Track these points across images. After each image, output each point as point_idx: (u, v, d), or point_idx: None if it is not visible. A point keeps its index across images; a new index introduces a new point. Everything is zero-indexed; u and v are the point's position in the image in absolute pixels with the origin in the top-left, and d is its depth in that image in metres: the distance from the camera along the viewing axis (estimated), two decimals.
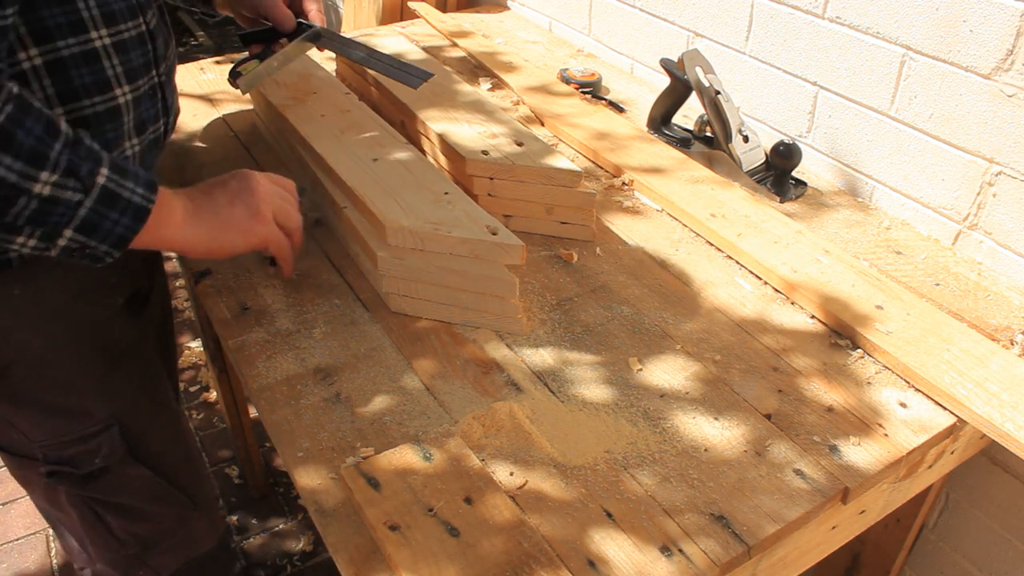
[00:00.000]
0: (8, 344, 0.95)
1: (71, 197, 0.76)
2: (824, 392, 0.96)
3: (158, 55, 0.95)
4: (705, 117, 1.40)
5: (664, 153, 1.40)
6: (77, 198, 0.76)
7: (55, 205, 0.75)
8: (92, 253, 0.81)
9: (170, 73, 1.01)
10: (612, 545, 0.77)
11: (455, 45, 1.85)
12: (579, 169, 1.16)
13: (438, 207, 1.05)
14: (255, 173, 0.97)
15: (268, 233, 0.97)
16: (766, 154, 1.35)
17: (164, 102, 0.99)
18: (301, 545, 1.87)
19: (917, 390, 0.96)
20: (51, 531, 1.84)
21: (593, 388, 0.95)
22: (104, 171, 0.78)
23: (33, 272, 0.92)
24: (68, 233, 0.77)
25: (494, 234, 1.00)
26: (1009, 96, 1.07)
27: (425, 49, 1.78)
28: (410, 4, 2.08)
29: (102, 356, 1.02)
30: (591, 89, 1.61)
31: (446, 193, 1.08)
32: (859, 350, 1.02)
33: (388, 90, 1.40)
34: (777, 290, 1.12)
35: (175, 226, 0.87)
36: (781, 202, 1.30)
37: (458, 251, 1.00)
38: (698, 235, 1.23)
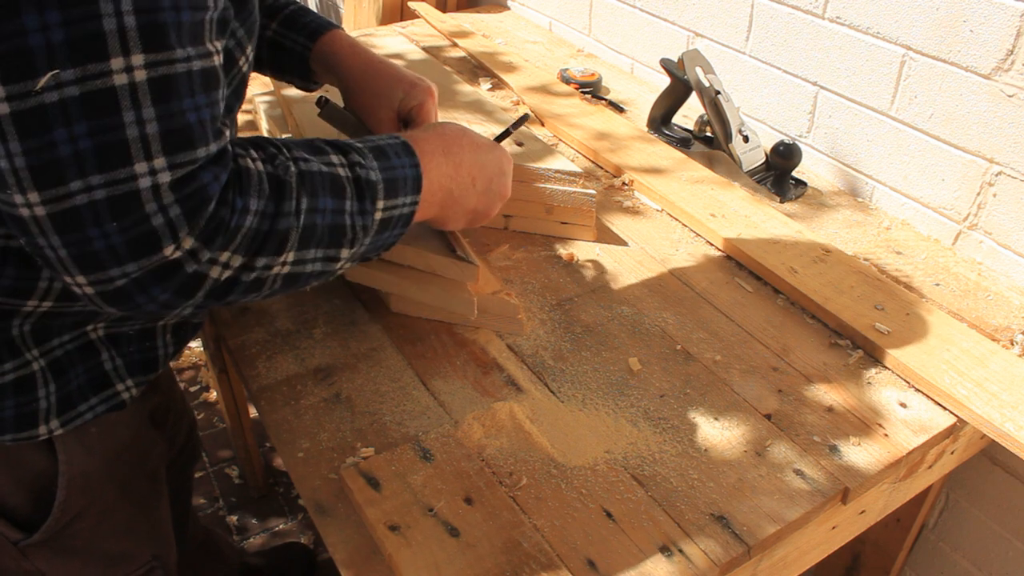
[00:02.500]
0: (82, 491, 0.83)
1: (359, 250, 0.75)
2: (824, 392, 0.96)
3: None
4: (705, 117, 1.40)
5: (664, 153, 1.40)
6: (360, 246, 0.75)
7: (349, 261, 0.75)
8: (366, 258, 0.80)
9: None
10: (612, 545, 0.77)
11: (455, 45, 1.85)
12: (579, 170, 1.16)
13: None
14: (503, 152, 0.93)
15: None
16: (766, 154, 1.35)
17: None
18: None
19: (917, 390, 0.96)
20: None
21: (593, 388, 0.95)
22: (380, 205, 0.75)
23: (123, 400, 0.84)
24: (347, 266, 0.76)
25: (453, 251, 0.98)
26: (1009, 96, 1.07)
27: (425, 49, 1.78)
28: (410, 4, 2.08)
29: (153, 493, 0.95)
30: (591, 89, 1.61)
31: None
32: (859, 350, 1.02)
33: None
34: (777, 290, 1.12)
35: (432, 210, 0.85)
36: (781, 202, 1.30)
37: (416, 264, 0.99)
38: (698, 235, 1.23)
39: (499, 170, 0.91)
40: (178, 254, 0.59)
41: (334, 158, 0.72)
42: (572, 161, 1.34)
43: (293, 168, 0.67)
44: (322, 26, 1.02)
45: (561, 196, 1.18)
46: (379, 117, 1.01)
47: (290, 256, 0.67)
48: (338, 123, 1.06)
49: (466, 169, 0.86)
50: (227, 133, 0.63)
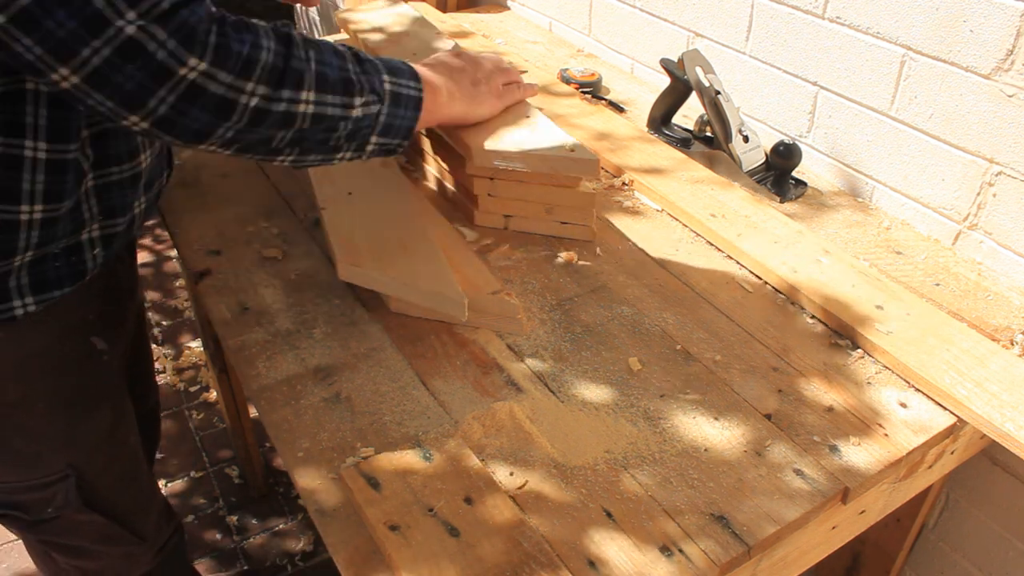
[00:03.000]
0: None
1: (373, 110, 0.89)
2: (824, 392, 0.96)
3: None
4: (705, 117, 1.40)
5: (664, 153, 1.40)
6: (376, 109, 0.89)
7: (364, 120, 0.88)
8: (387, 148, 0.95)
9: None
10: (612, 545, 0.77)
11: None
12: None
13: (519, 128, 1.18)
14: (476, 56, 1.13)
15: (506, 99, 1.15)
16: (766, 154, 1.34)
17: (169, 156, 1.03)
18: (301, 545, 1.87)
19: (917, 390, 0.96)
20: None
21: (593, 388, 0.95)
22: (386, 77, 0.91)
23: (12, 324, 0.89)
24: (374, 139, 0.92)
25: (572, 151, 1.13)
26: (1009, 96, 1.07)
27: None
28: (410, 4, 2.08)
29: (73, 404, 1.00)
30: (591, 89, 1.61)
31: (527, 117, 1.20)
32: (859, 350, 1.02)
33: None
34: (777, 290, 1.12)
35: (441, 107, 1.02)
36: (781, 202, 1.30)
37: (538, 168, 1.13)
38: (698, 235, 1.23)
39: (480, 60, 1.13)
40: (193, 74, 0.72)
41: (324, 41, 0.87)
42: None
43: (294, 32, 0.82)
44: None
45: (561, 196, 1.17)
46: None
47: (311, 95, 0.81)
48: None
49: (454, 63, 1.09)
50: None
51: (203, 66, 0.72)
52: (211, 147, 0.79)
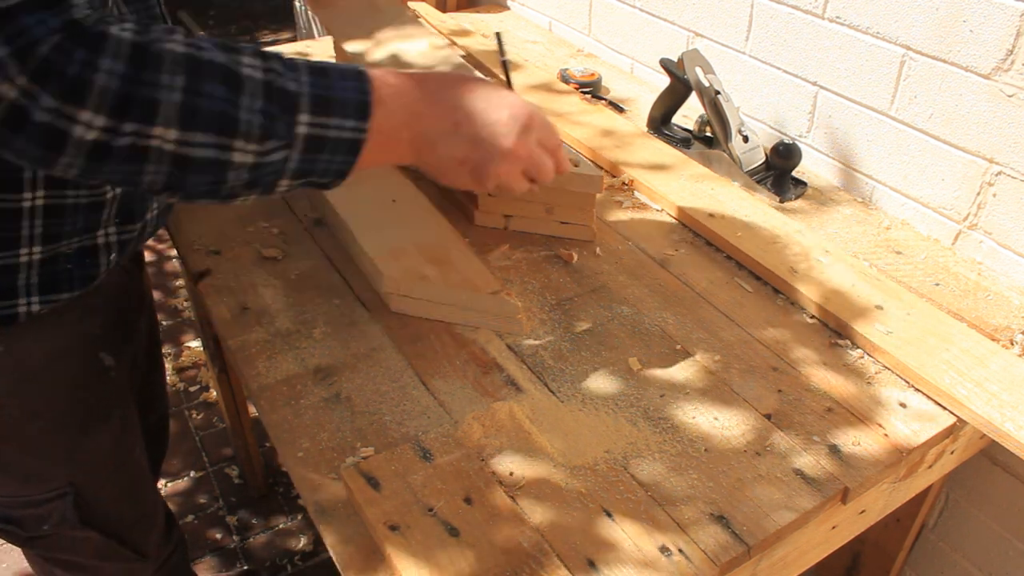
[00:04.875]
0: None
1: (276, 158, 0.69)
2: (824, 392, 0.96)
3: None
4: (705, 117, 1.40)
5: (664, 153, 1.40)
6: (281, 156, 0.69)
7: (263, 168, 0.69)
8: (315, 185, 0.74)
9: None
10: (612, 545, 0.77)
11: (455, 45, 1.84)
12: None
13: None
14: (516, 100, 0.80)
15: (517, 179, 0.83)
16: (766, 154, 1.35)
17: None
18: (301, 545, 1.87)
19: (917, 390, 0.96)
20: None
21: (593, 388, 0.95)
22: (303, 118, 0.69)
23: (16, 328, 0.86)
24: (284, 183, 0.71)
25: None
26: (1009, 96, 1.07)
27: None
28: (410, 4, 2.08)
29: (76, 421, 0.97)
30: (591, 89, 1.61)
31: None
32: (859, 350, 1.02)
33: None
34: (777, 290, 1.12)
35: (400, 154, 0.78)
36: (781, 202, 1.30)
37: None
38: (698, 235, 1.23)
39: (500, 121, 0.78)
40: (13, 94, 0.59)
41: (246, 59, 0.68)
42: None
43: (175, 47, 0.64)
44: None
45: (562, 196, 1.17)
46: None
47: (171, 133, 0.64)
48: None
49: (446, 109, 0.77)
50: None
51: (24, 82, 0.59)
52: (69, 176, 0.67)
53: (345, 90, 0.71)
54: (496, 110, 0.78)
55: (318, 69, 0.71)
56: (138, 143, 0.63)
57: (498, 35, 0.97)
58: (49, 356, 0.91)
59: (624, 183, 1.34)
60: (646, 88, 1.66)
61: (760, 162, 1.35)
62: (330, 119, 0.70)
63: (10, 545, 1.83)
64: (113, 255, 0.91)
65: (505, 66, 0.97)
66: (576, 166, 1.12)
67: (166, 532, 1.23)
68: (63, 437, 0.97)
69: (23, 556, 1.15)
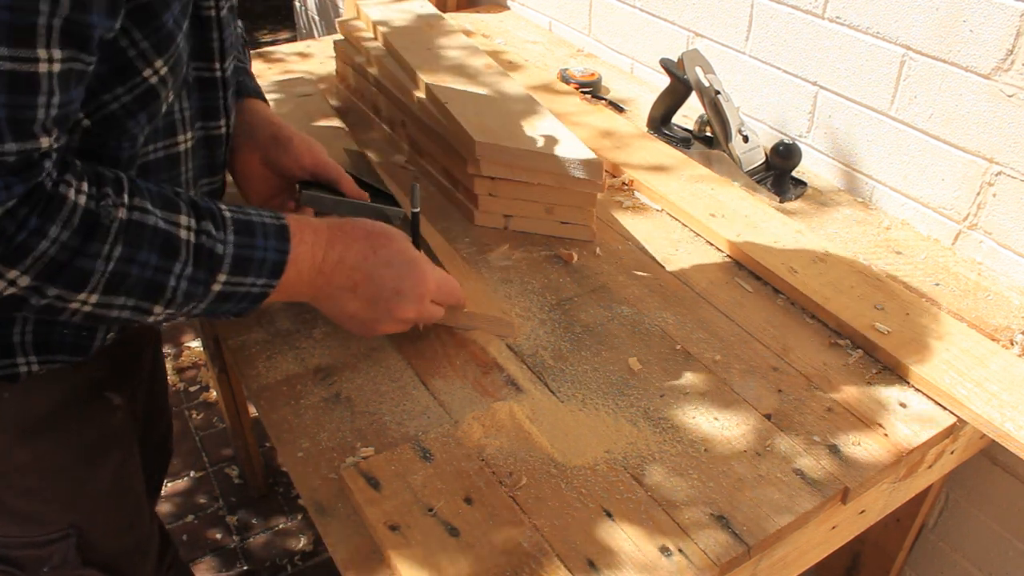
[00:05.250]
0: None
1: (187, 310, 0.74)
2: (824, 392, 0.96)
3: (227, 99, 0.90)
4: (705, 117, 1.40)
5: (664, 153, 1.40)
6: (192, 307, 0.74)
7: (173, 318, 0.74)
8: (218, 317, 0.80)
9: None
10: (612, 545, 0.77)
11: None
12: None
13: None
14: (422, 261, 0.88)
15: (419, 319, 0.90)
16: (766, 154, 1.34)
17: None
18: (301, 545, 1.87)
19: (917, 390, 0.96)
20: None
21: (593, 388, 0.95)
22: (221, 278, 0.74)
23: (20, 383, 0.85)
24: (183, 319, 0.77)
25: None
26: (1009, 96, 1.07)
27: None
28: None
29: (79, 463, 0.95)
30: (591, 89, 1.61)
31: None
32: (859, 350, 1.02)
33: (389, 90, 1.40)
34: (777, 290, 1.12)
35: (303, 298, 0.84)
36: (781, 202, 1.30)
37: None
38: (698, 235, 1.23)
39: (395, 289, 0.85)
40: None
41: (183, 219, 0.71)
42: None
43: (120, 214, 0.67)
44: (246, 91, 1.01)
45: (562, 196, 1.17)
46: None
47: (92, 298, 0.67)
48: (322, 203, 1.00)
49: (346, 272, 0.83)
50: (43, 141, 0.61)
51: None
52: None
53: (265, 250, 0.76)
54: (396, 278, 0.85)
55: (244, 226, 0.75)
56: (55, 305, 0.66)
57: (413, 186, 1.00)
58: (55, 404, 0.90)
59: (624, 183, 1.34)
60: (646, 88, 1.66)
61: (760, 162, 1.35)
62: (245, 278, 0.75)
63: None
64: (111, 333, 0.89)
65: (415, 219, 0.99)
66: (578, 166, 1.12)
67: (159, 557, 1.21)
68: (68, 480, 0.95)
69: None
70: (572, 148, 1.16)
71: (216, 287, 0.74)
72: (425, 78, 1.29)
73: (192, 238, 0.71)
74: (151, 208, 0.69)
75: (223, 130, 0.90)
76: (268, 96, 1.53)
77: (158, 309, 0.71)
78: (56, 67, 0.60)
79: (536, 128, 1.20)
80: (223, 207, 0.76)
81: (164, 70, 0.74)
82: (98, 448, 0.98)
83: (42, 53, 0.59)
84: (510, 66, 1.70)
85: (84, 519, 0.99)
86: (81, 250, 0.64)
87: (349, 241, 0.83)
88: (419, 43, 1.42)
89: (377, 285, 0.84)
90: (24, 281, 0.63)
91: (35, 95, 0.60)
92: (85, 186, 0.65)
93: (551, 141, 1.17)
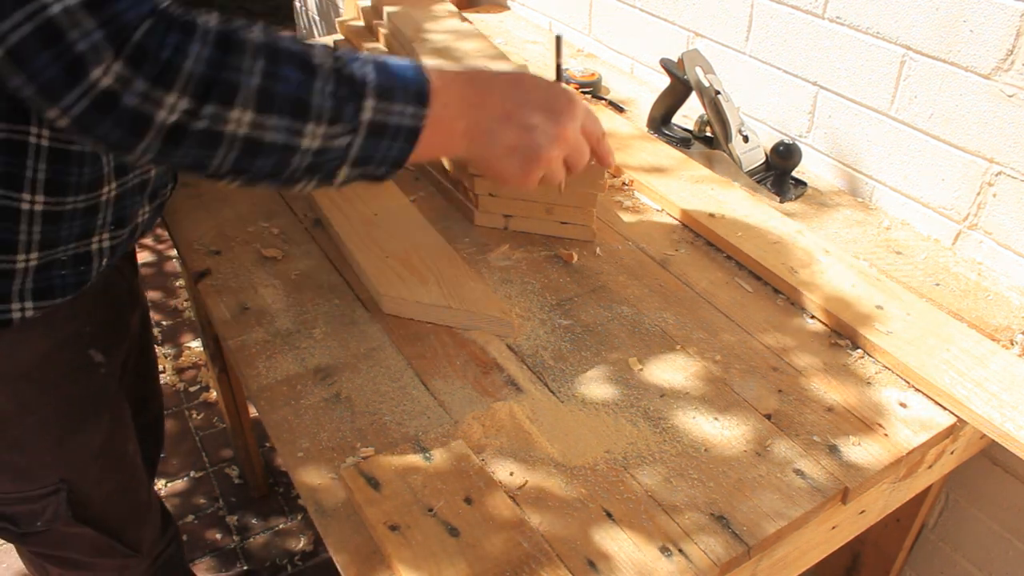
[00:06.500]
0: None
1: (340, 142, 0.72)
2: (824, 392, 0.96)
3: None
4: (705, 117, 1.40)
5: (664, 153, 1.40)
6: (345, 141, 0.72)
7: (327, 153, 0.72)
8: (371, 175, 0.77)
9: None
10: (612, 545, 0.77)
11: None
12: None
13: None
14: (562, 90, 0.84)
15: (557, 168, 0.85)
16: (766, 154, 1.34)
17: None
18: (301, 545, 1.87)
19: (917, 390, 0.96)
20: None
21: (593, 388, 0.95)
22: (369, 103, 0.71)
23: (8, 331, 0.87)
24: (344, 171, 0.74)
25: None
26: (1009, 96, 1.07)
27: None
28: None
29: (66, 417, 0.98)
30: (591, 89, 1.61)
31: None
32: (859, 350, 1.02)
33: None
34: (777, 290, 1.12)
35: (453, 145, 0.80)
36: (781, 202, 1.30)
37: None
38: (698, 235, 1.23)
39: (550, 108, 0.81)
40: (108, 80, 0.61)
41: (317, 49, 0.71)
42: None
43: (256, 36, 0.67)
44: None
45: (562, 196, 1.17)
46: None
47: (246, 115, 0.66)
48: None
49: (497, 99, 0.80)
50: None
51: (118, 67, 0.61)
52: (142, 162, 0.69)
53: (406, 79, 0.74)
54: (545, 100, 0.82)
55: (379, 61, 0.74)
56: (214, 127, 0.66)
57: (558, 38, 0.97)
58: (40, 355, 0.92)
59: (624, 183, 1.34)
60: (646, 88, 1.66)
61: (760, 162, 1.35)
62: (393, 105, 0.73)
63: (11, 545, 1.83)
64: (105, 260, 0.91)
65: (559, 69, 0.98)
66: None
67: (161, 528, 1.23)
68: (54, 434, 0.97)
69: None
70: None
71: (366, 114, 0.72)
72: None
73: (329, 62, 0.70)
74: (281, 37, 0.70)
75: None
76: None
77: (309, 128, 0.69)
78: None
79: None
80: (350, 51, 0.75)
81: None
82: (84, 405, 1.00)
83: None
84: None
85: (74, 475, 1.01)
86: (224, 63, 0.65)
87: (490, 76, 0.82)
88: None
89: (532, 106, 0.81)
90: (183, 104, 0.63)
91: None
92: (215, 16, 0.67)
93: None
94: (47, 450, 0.98)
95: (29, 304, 0.86)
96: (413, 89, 0.74)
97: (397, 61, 0.76)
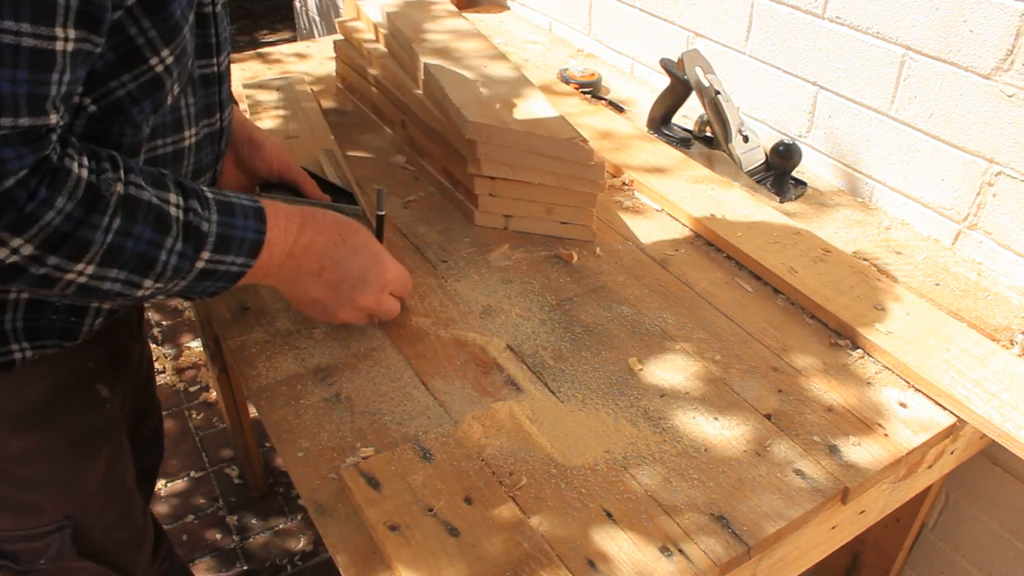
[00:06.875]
0: None
1: (171, 287, 0.77)
2: (824, 392, 0.96)
3: (224, 96, 0.92)
4: (705, 117, 1.40)
5: (664, 153, 1.40)
6: (172, 284, 0.77)
7: (156, 294, 0.77)
8: (187, 298, 0.83)
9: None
10: (612, 545, 0.77)
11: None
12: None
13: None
14: (383, 265, 0.94)
15: (379, 312, 0.97)
16: (766, 154, 1.34)
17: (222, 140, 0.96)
18: (301, 545, 1.87)
19: (917, 390, 0.96)
20: None
21: (593, 388, 0.95)
22: (205, 255, 0.77)
23: (14, 371, 0.87)
24: (160, 297, 0.79)
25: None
26: (1009, 96, 1.07)
27: None
28: None
29: (74, 454, 0.97)
30: (591, 89, 1.61)
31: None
32: (859, 350, 1.02)
33: (389, 90, 1.40)
34: (777, 290, 1.12)
35: (270, 279, 0.87)
36: (781, 202, 1.30)
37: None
38: (698, 235, 1.23)
39: (360, 277, 0.92)
40: None
41: (172, 197, 0.74)
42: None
43: (118, 188, 0.69)
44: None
45: (562, 195, 1.17)
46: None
47: (89, 268, 0.69)
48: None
49: (315, 256, 0.88)
50: (52, 118, 0.64)
51: None
52: None
53: (246, 230, 0.80)
54: (359, 267, 0.92)
55: (225, 206, 0.79)
56: (53, 275, 0.68)
57: (379, 192, 1.06)
58: (47, 394, 0.91)
59: (624, 183, 1.34)
60: (646, 88, 1.66)
61: (760, 162, 1.35)
62: (226, 256, 0.79)
63: None
64: (100, 319, 0.90)
65: (380, 220, 1.05)
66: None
67: (156, 548, 1.22)
68: (61, 471, 0.96)
69: None
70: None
71: (200, 264, 0.77)
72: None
73: (181, 215, 0.74)
74: (144, 184, 0.72)
75: (219, 124, 0.92)
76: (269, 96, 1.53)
77: (148, 283, 0.74)
78: (70, 46, 0.63)
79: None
80: (204, 188, 0.79)
81: (170, 59, 0.76)
82: (89, 440, 0.99)
83: (59, 32, 0.62)
84: None
85: (78, 510, 1.00)
86: (84, 220, 0.67)
87: (319, 227, 0.88)
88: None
89: (342, 271, 0.90)
90: (27, 250, 0.65)
91: (50, 72, 0.63)
92: (86, 160, 0.68)
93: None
94: (54, 487, 0.96)
95: (26, 344, 0.85)
96: (249, 243, 0.80)
97: (243, 206, 0.80)
